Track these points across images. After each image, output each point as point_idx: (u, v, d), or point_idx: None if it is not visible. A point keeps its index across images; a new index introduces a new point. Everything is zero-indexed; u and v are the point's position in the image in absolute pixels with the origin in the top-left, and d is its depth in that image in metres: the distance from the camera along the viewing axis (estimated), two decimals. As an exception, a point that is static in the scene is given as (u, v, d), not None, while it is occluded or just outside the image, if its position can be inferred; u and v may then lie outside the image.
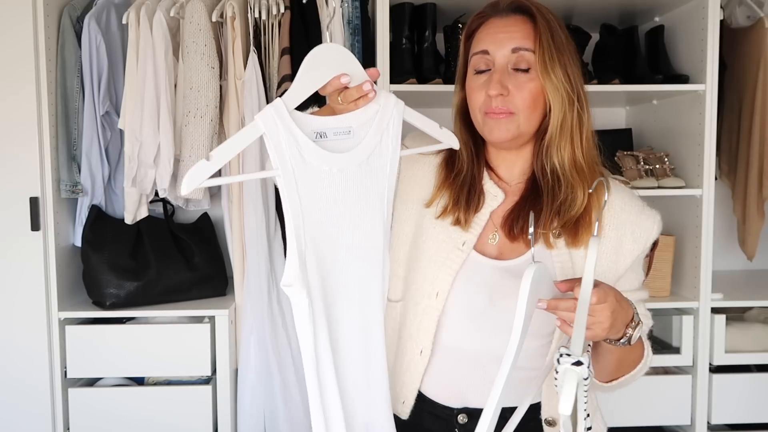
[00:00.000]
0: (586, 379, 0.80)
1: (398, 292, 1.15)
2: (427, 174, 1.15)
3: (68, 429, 1.98)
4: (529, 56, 1.03)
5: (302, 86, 0.88)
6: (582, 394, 0.84)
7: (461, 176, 1.11)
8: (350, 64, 0.92)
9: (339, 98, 0.92)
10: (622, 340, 0.95)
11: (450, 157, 1.14)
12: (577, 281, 0.88)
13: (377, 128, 0.95)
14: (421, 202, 1.13)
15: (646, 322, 1.11)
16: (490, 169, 1.14)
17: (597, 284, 0.90)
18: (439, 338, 1.08)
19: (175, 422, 1.98)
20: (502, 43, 1.04)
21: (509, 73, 1.03)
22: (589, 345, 0.97)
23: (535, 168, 1.10)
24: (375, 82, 0.94)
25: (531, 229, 0.91)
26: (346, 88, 0.91)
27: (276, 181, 0.87)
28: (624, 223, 1.08)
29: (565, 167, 1.05)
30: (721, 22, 2.01)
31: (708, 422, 2.09)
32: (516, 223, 1.07)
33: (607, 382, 1.08)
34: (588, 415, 0.98)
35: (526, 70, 1.03)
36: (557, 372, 0.82)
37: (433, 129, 1.04)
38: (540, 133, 1.08)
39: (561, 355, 0.79)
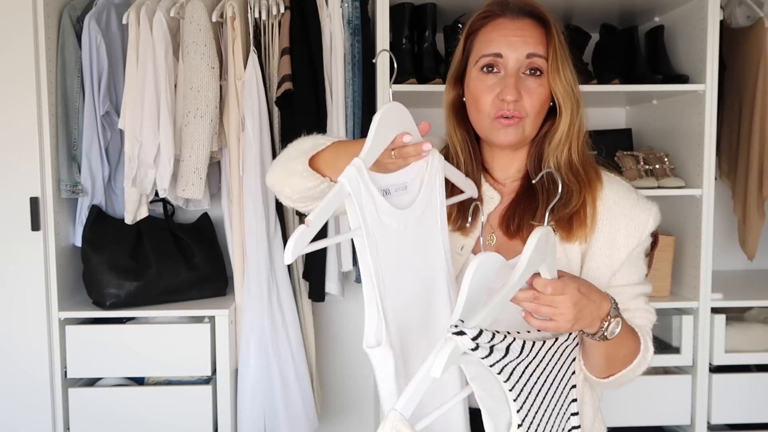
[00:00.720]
0: (476, 350, 0.79)
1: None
2: None
3: (68, 429, 1.98)
4: (541, 62, 1.04)
5: (377, 144, 0.91)
6: (492, 372, 0.83)
7: None
8: (408, 121, 0.95)
9: (393, 153, 0.93)
10: (597, 334, 0.95)
11: (446, 158, 1.14)
12: (536, 274, 0.89)
13: (428, 183, 0.99)
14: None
15: (647, 317, 1.10)
16: (485, 170, 1.14)
17: (560, 275, 0.91)
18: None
19: (175, 422, 1.98)
20: (516, 47, 1.04)
21: (520, 78, 1.04)
22: (569, 336, 0.98)
23: (530, 168, 1.11)
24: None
25: (483, 219, 0.93)
26: (405, 145, 0.93)
27: (355, 241, 0.89)
28: (617, 217, 1.07)
29: (561, 171, 1.06)
30: (721, 22, 2.01)
31: (708, 422, 2.09)
32: (512, 222, 1.08)
33: (603, 379, 1.07)
34: (576, 413, 0.99)
35: (538, 76, 1.04)
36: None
37: (460, 179, 1.07)
38: (537, 136, 1.09)
39: (451, 326, 0.79)
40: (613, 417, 2.11)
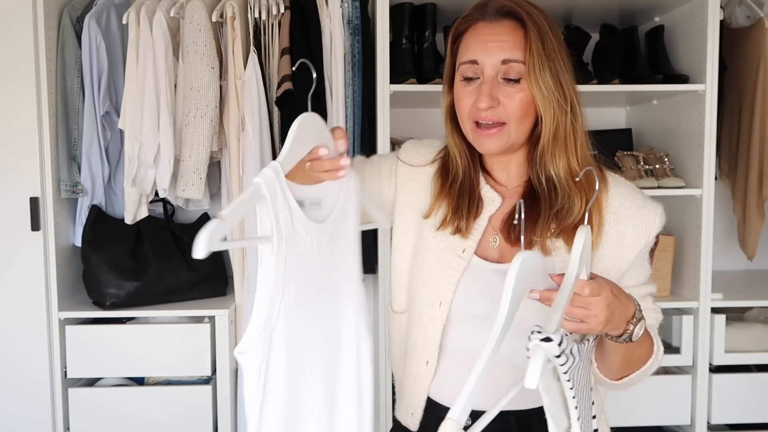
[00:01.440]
0: (558, 357, 0.77)
1: (402, 303, 1.16)
2: (423, 185, 1.14)
3: (68, 429, 1.98)
4: (519, 67, 1.01)
5: (294, 151, 0.88)
6: (562, 379, 0.81)
7: (458, 183, 1.10)
8: (325, 135, 0.93)
9: (307, 165, 0.91)
10: (623, 337, 0.93)
11: (444, 165, 1.13)
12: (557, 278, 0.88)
13: (343, 203, 0.97)
14: (419, 214, 1.13)
15: (655, 317, 1.10)
16: (486, 172, 1.13)
17: (592, 277, 0.89)
18: (445, 346, 1.08)
19: (175, 422, 1.98)
20: (491, 52, 1.01)
21: (498, 84, 1.01)
22: (587, 338, 0.96)
23: (531, 175, 1.09)
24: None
25: (522, 216, 0.89)
26: (320, 158, 0.92)
27: (261, 249, 0.84)
28: (624, 219, 1.06)
29: (560, 176, 1.04)
30: (721, 22, 2.01)
31: (708, 422, 2.09)
32: (514, 229, 1.06)
33: (617, 380, 1.06)
34: (594, 416, 0.98)
35: (516, 80, 1.01)
36: (528, 350, 0.79)
37: (372, 208, 1.07)
38: (533, 140, 1.06)
39: (533, 332, 0.76)
40: (614, 417, 2.10)
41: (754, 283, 2.37)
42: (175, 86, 1.97)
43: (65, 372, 1.97)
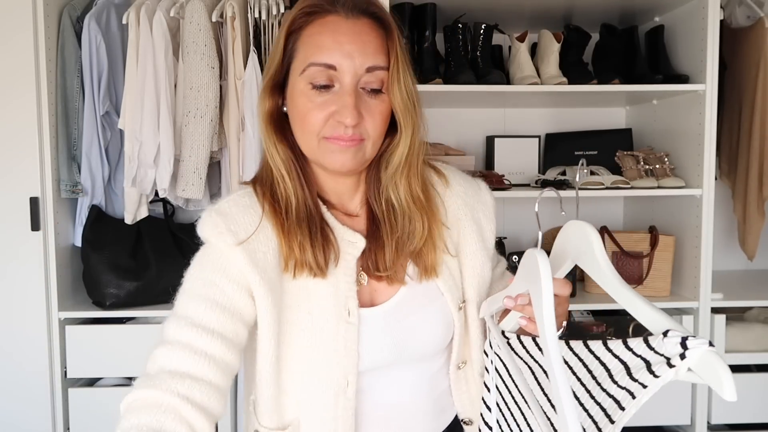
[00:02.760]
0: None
1: (277, 415, 0.93)
2: (270, 242, 0.90)
3: (68, 429, 1.98)
4: (382, 74, 0.88)
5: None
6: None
7: (293, 210, 0.91)
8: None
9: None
10: (558, 332, 0.90)
11: (271, 196, 0.92)
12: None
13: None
14: (274, 284, 0.89)
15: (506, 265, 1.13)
16: (324, 200, 0.95)
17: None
18: (361, 422, 0.95)
19: (175, 422, 1.97)
20: (352, 57, 0.85)
21: (359, 94, 0.87)
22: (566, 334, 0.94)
23: (369, 196, 0.96)
24: None
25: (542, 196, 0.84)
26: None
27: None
28: (473, 206, 1.02)
29: (401, 199, 0.93)
30: (721, 22, 2.01)
31: (708, 422, 2.09)
32: (369, 262, 0.94)
33: None
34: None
35: (379, 91, 0.88)
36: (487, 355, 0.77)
37: None
38: (375, 159, 0.94)
39: (686, 339, 0.63)
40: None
41: (754, 283, 2.37)
42: (175, 86, 1.97)
43: (65, 372, 1.97)
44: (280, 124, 0.92)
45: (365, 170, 0.96)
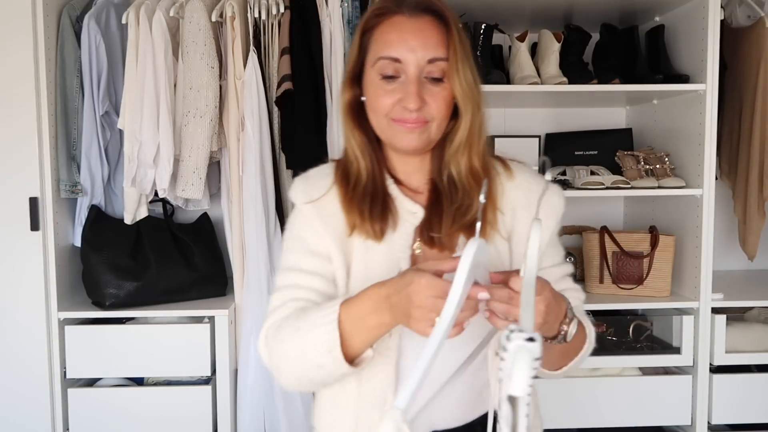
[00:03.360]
0: (537, 360, 0.71)
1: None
2: (337, 212, 1.05)
3: (68, 429, 1.98)
4: (443, 65, 0.99)
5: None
6: (531, 378, 0.75)
7: (361, 186, 1.05)
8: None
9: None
10: (557, 338, 0.92)
11: (344, 172, 1.07)
12: (513, 273, 0.86)
13: None
14: (342, 244, 1.04)
15: (577, 296, 1.09)
16: (394, 178, 1.08)
17: (512, 275, 0.87)
18: (400, 376, 1.02)
19: (175, 422, 1.97)
20: (415, 51, 0.98)
21: (422, 82, 0.99)
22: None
23: (434, 174, 1.07)
24: None
25: (482, 197, 0.86)
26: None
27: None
28: (534, 202, 1.07)
29: (462, 175, 1.04)
30: (722, 21, 2.01)
31: (708, 422, 2.09)
32: (425, 231, 1.04)
33: (556, 370, 1.05)
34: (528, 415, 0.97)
35: (440, 79, 0.99)
36: (505, 350, 0.72)
37: None
38: (442, 139, 1.05)
39: (511, 331, 0.70)
40: (614, 417, 2.11)
41: (754, 283, 2.36)
42: (175, 86, 1.97)
43: (65, 372, 1.97)
44: (357, 113, 1.06)
45: (430, 150, 1.06)
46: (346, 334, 0.91)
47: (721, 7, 2.00)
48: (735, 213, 2.30)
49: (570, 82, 2.03)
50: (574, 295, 1.08)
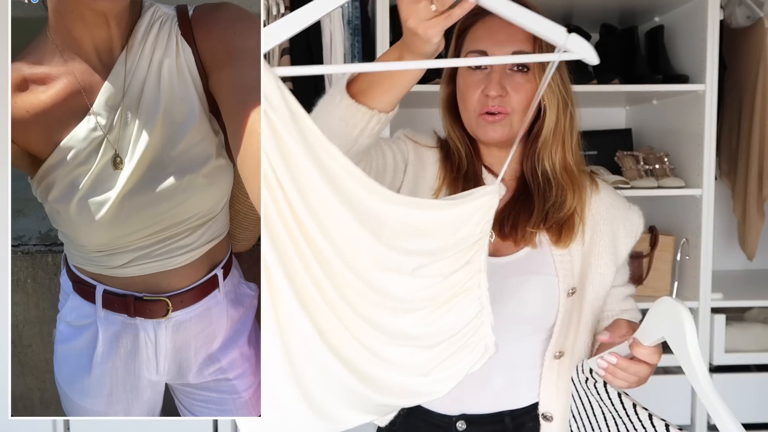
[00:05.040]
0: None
1: None
2: (427, 165, 1.14)
3: (68, 429, 1.98)
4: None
5: None
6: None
7: (462, 173, 1.11)
8: None
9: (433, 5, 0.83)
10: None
11: (447, 153, 1.14)
12: (628, 333, 0.93)
13: None
14: (429, 193, 1.13)
15: (636, 316, 1.15)
16: (486, 167, 1.14)
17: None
18: None
19: (176, 422, 1.97)
20: (501, 44, 1.03)
21: (507, 74, 1.04)
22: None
23: (525, 169, 1.10)
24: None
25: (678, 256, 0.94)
26: None
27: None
28: (616, 218, 1.12)
29: (556, 170, 1.06)
30: (721, 22, 2.01)
31: (708, 422, 2.09)
32: (507, 222, 1.07)
33: None
34: None
35: (525, 72, 1.04)
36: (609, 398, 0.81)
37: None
38: (530, 134, 1.08)
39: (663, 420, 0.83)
40: (613, 417, 2.11)
41: (754, 283, 2.37)
42: (175, 86, 1.97)
43: (65, 372, 1.97)
44: (454, 109, 1.12)
45: (521, 145, 1.09)
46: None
47: (721, 7, 2.00)
48: (734, 213, 2.30)
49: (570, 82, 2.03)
50: (635, 315, 1.15)
